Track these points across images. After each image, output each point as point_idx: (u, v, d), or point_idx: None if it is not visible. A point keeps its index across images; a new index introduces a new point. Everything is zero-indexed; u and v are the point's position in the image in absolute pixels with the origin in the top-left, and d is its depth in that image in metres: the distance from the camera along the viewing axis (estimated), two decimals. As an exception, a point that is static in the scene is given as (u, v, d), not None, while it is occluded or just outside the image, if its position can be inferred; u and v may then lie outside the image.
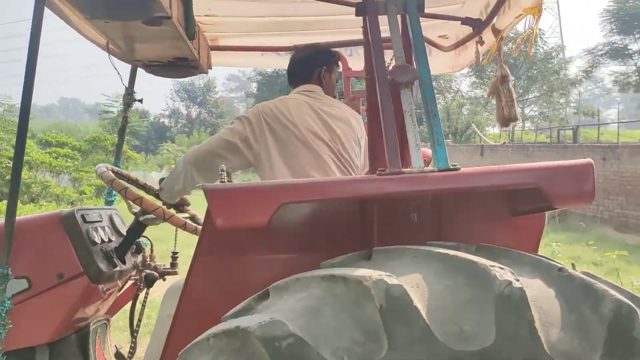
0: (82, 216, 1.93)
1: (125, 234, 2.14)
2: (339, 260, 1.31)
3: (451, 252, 1.19)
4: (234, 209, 1.30)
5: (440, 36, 3.13)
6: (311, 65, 2.39)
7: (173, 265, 2.11)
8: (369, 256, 1.30)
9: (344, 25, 3.04)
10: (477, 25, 2.47)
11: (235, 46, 3.26)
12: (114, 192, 2.57)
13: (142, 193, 2.16)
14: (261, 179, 2.18)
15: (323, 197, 1.38)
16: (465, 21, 2.50)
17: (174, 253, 2.14)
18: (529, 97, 35.38)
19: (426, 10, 2.03)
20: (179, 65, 2.55)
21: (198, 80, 54.48)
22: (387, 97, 1.52)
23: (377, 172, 1.44)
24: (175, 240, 2.24)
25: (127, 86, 2.72)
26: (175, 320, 1.61)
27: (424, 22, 3.04)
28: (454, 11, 2.70)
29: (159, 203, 2.24)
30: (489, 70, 32.45)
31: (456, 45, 2.97)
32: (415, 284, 1.11)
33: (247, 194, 1.34)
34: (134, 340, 2.14)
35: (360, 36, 2.77)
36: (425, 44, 3.16)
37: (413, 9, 1.72)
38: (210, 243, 1.58)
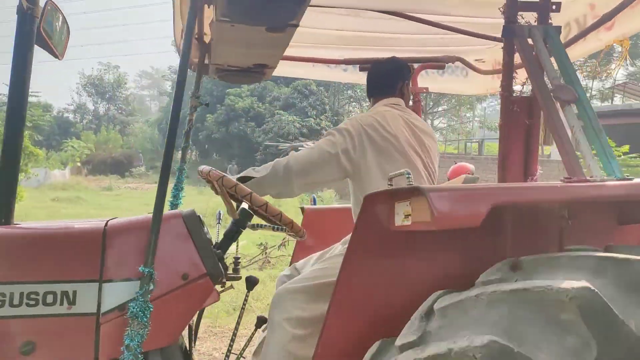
0: (199, 216, 1.89)
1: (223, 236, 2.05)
2: (496, 269, 1.42)
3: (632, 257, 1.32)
4: (452, 210, 1.36)
5: (477, 60, 3.27)
6: (395, 78, 2.45)
7: (236, 270, 2.02)
8: (519, 265, 1.40)
9: (399, 44, 3.13)
10: None
11: (293, 57, 3.22)
12: (180, 195, 2.61)
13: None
14: (356, 190, 2.23)
15: (531, 201, 1.47)
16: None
17: (236, 258, 2.04)
18: (439, 110, 37.11)
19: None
20: (253, 72, 2.54)
21: (107, 74, 52.16)
22: (557, 114, 1.68)
23: (564, 179, 1.59)
24: (237, 246, 2.15)
25: (193, 89, 2.72)
26: (327, 321, 1.66)
27: (463, 46, 3.17)
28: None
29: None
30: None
31: (497, 69, 3.15)
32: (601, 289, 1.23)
33: (464, 196, 1.42)
34: (231, 344, 2.06)
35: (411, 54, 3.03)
36: (463, 65, 3.28)
37: (555, 33, 1.89)
38: (362, 245, 1.64)
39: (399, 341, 1.38)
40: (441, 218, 1.32)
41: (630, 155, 11.18)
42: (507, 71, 2.03)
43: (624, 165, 9.79)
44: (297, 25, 1.82)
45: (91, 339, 1.62)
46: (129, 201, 20.18)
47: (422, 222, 1.38)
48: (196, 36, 2.48)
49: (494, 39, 2.79)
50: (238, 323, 2.17)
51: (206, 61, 2.66)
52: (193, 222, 1.81)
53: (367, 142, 2.17)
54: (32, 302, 1.59)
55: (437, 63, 3.14)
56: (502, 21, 2.33)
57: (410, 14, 2.68)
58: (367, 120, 2.22)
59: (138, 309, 1.56)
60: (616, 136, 20.23)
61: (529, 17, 2.30)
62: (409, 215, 1.46)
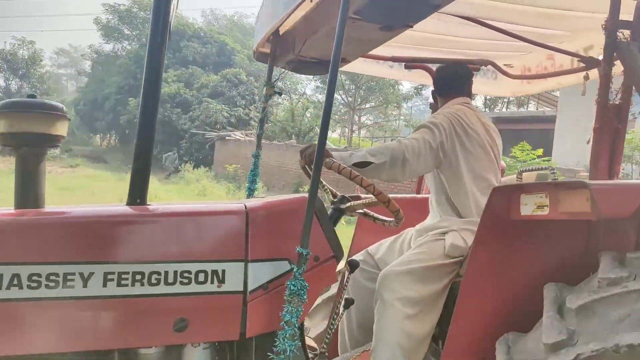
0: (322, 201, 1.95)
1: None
2: (609, 266, 1.55)
3: None
4: (609, 202, 1.51)
5: (505, 64, 3.58)
6: (464, 79, 2.71)
7: None
8: (625, 260, 1.55)
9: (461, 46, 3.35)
10: (590, 63, 2.86)
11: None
12: (257, 181, 2.80)
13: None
14: (442, 181, 2.46)
15: None
16: (584, 60, 2.90)
17: None
18: (366, 106, 37.72)
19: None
20: (323, 63, 2.65)
21: (21, 50, 48.73)
22: None
23: None
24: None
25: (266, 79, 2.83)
26: (456, 311, 1.86)
27: (493, 51, 3.35)
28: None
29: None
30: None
31: (526, 75, 3.55)
32: None
33: (618, 191, 1.62)
34: (331, 329, 2.07)
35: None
36: (493, 69, 3.54)
37: None
38: (488, 235, 1.83)
39: (547, 339, 1.48)
40: (601, 209, 1.47)
41: (543, 158, 11.81)
42: (605, 82, 2.30)
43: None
44: (411, 27, 1.97)
45: (238, 316, 1.69)
46: (41, 185, 18.97)
47: (575, 212, 1.57)
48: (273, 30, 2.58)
49: (589, 59, 3.02)
50: (338, 305, 2.23)
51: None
52: (320, 207, 1.86)
53: (456, 138, 2.41)
54: (186, 281, 1.64)
55: (473, 65, 3.36)
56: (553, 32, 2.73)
57: (479, 19, 2.88)
58: (454, 117, 2.43)
59: (297, 287, 1.63)
60: (530, 140, 21.41)
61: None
62: (545, 206, 1.65)
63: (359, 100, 36.06)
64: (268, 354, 1.64)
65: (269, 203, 1.89)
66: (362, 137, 36.98)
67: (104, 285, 1.57)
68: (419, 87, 33.49)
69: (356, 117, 38.63)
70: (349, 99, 35.57)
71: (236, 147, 25.69)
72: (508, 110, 29.47)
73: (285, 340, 1.60)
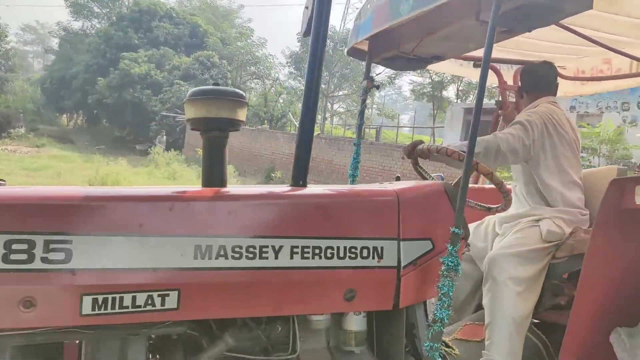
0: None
1: None
2: None
3: None
4: None
5: (559, 66, 3.58)
6: (553, 79, 2.87)
7: None
8: None
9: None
10: None
11: None
12: (358, 167, 3.05)
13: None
14: (532, 174, 2.66)
15: None
16: None
17: None
18: (339, 94, 37.74)
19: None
20: (420, 60, 2.84)
21: (-16, 25, 46.97)
22: None
23: None
24: None
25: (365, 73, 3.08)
26: (578, 296, 2.04)
27: (547, 53, 3.45)
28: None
29: None
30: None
31: (582, 77, 3.68)
32: None
33: None
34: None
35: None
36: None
37: None
38: (607, 224, 1.98)
39: None
40: None
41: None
42: None
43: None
44: (530, 30, 2.16)
45: (393, 289, 1.88)
46: (7, 164, 18.44)
47: None
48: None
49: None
50: None
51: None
52: (451, 191, 2.01)
53: (547, 136, 2.60)
54: (353, 255, 1.82)
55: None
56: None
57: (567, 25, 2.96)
58: (546, 116, 2.62)
59: (454, 264, 1.81)
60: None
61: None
62: None
63: (332, 87, 36.03)
64: (413, 322, 1.97)
65: (412, 188, 2.05)
66: (334, 125, 37.03)
67: (291, 257, 1.74)
68: (392, 75, 33.63)
69: (328, 105, 38.64)
70: (323, 85, 35.50)
71: (208, 131, 25.42)
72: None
73: (442, 310, 1.81)
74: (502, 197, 2.20)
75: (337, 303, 1.82)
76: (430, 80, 31.67)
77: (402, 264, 1.88)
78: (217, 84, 1.96)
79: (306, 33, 2.59)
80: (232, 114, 1.87)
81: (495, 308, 2.43)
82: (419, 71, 32.62)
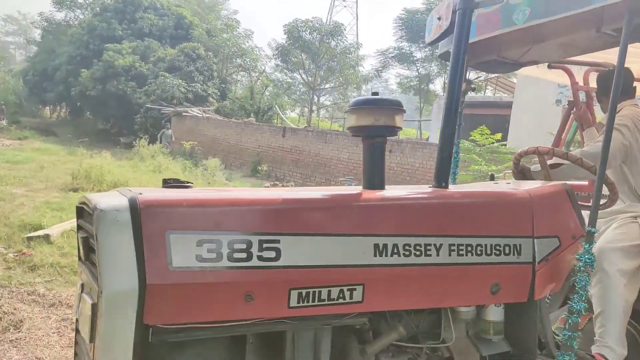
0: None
1: None
2: None
3: None
4: None
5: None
6: (631, 83, 3.06)
7: None
8: None
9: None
10: None
11: None
12: (457, 166, 3.32)
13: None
14: (626, 173, 2.84)
15: None
16: None
17: None
18: (326, 87, 37.62)
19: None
20: (512, 64, 3.07)
21: (-36, 15, 46.07)
22: None
23: None
24: None
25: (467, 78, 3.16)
26: None
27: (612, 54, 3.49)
28: None
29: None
30: (294, 56, 33.65)
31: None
32: None
33: None
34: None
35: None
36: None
37: None
38: None
39: None
40: None
41: (501, 143, 12.07)
42: None
43: (495, 152, 10.52)
44: None
45: (529, 282, 2.06)
46: (-14, 158, 18.10)
47: None
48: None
49: None
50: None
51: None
52: (571, 192, 2.22)
53: (637, 134, 2.79)
54: (497, 252, 2.00)
55: (601, 68, 3.59)
56: None
57: None
58: (636, 119, 2.81)
59: (591, 260, 2.02)
60: (487, 125, 21.74)
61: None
62: None
63: (319, 80, 35.90)
64: (540, 314, 2.16)
65: (540, 189, 2.24)
66: (321, 118, 36.96)
67: (449, 254, 1.92)
68: (379, 69, 33.59)
69: (315, 98, 38.49)
70: (309, 78, 35.37)
71: (193, 123, 25.17)
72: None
73: (579, 303, 2.02)
74: (610, 194, 2.40)
75: (484, 296, 2.03)
76: (417, 74, 31.74)
77: (537, 260, 2.07)
78: (377, 93, 2.16)
79: (434, 42, 2.77)
80: (392, 121, 2.02)
81: (607, 299, 2.61)
82: (405, 64, 32.72)
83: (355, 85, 36.93)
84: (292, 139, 18.51)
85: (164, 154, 21.95)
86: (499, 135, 9.77)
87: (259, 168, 18.70)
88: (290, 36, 32.94)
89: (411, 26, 29.55)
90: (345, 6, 65.17)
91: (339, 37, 32.94)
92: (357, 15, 63.13)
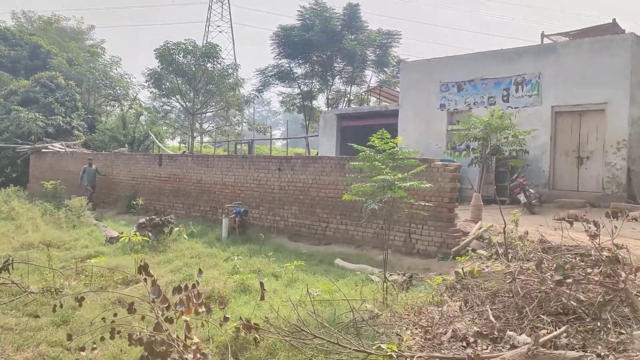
0: None
1: None
2: None
3: None
4: None
5: None
6: None
7: None
8: None
9: None
10: None
11: None
12: None
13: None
14: None
15: None
16: None
17: None
18: (207, 112, 35.78)
19: None
20: None
21: None
22: None
23: None
24: None
25: None
26: None
27: None
28: None
29: None
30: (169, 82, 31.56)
31: None
32: None
33: None
34: None
35: None
36: None
37: None
38: None
39: None
40: None
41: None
42: None
43: (398, 159, 9.56)
44: None
45: None
46: None
47: None
48: None
49: None
50: None
51: None
52: None
53: None
54: None
55: None
56: None
57: None
58: None
59: None
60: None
61: None
62: None
63: (198, 105, 34.01)
64: None
65: None
66: (204, 144, 34.97)
67: None
68: (260, 88, 32.46)
69: (197, 124, 36.47)
70: (188, 104, 33.36)
71: (56, 160, 22.24)
72: (351, 107, 29.60)
73: None
74: None
75: None
76: (299, 91, 31.03)
77: None
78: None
79: None
80: None
81: None
82: (287, 82, 31.96)
83: (237, 108, 35.51)
84: (170, 166, 16.60)
85: (19, 198, 18.96)
86: (400, 139, 8.91)
87: (134, 202, 16.51)
88: (162, 60, 30.82)
89: (288, 43, 28.78)
90: (220, 31, 63.99)
91: (215, 59, 31.38)
92: (232, 38, 62.17)
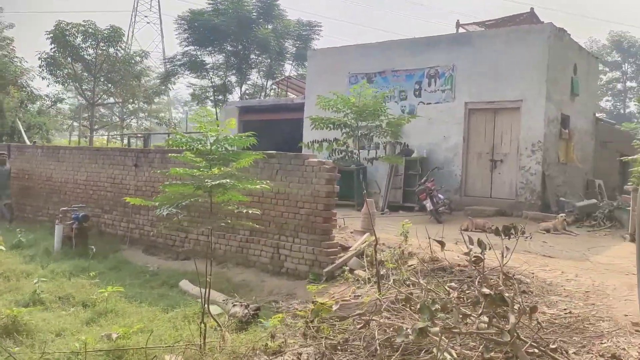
0: None
1: None
2: None
3: None
4: None
5: None
6: None
7: None
8: None
9: None
10: None
11: None
12: None
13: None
14: None
15: None
16: None
17: None
18: (107, 102, 32.47)
19: None
20: None
21: None
22: None
23: None
24: None
25: None
26: None
27: None
28: None
29: None
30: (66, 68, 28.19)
31: None
32: None
33: None
34: None
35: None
36: None
37: None
38: None
39: None
40: None
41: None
42: None
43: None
44: None
45: None
46: None
47: None
48: None
49: None
50: None
51: None
52: None
53: None
54: None
55: None
56: None
57: None
58: None
59: None
60: (283, 130, 18.86)
61: None
62: None
63: (101, 94, 30.73)
64: None
65: None
66: (100, 135, 31.70)
67: None
68: (165, 77, 29.61)
69: (98, 115, 33.09)
70: (88, 93, 30.03)
71: None
72: (254, 99, 27.30)
73: None
74: None
75: None
76: (211, 83, 28.40)
77: None
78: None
79: None
80: None
81: None
82: (198, 73, 29.27)
83: (144, 100, 32.39)
84: (19, 160, 13.73)
85: None
86: (233, 123, 6.86)
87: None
88: (57, 43, 27.40)
89: (196, 28, 26.12)
90: (148, 22, 60.13)
91: (117, 44, 28.26)
92: (161, 29, 58.60)
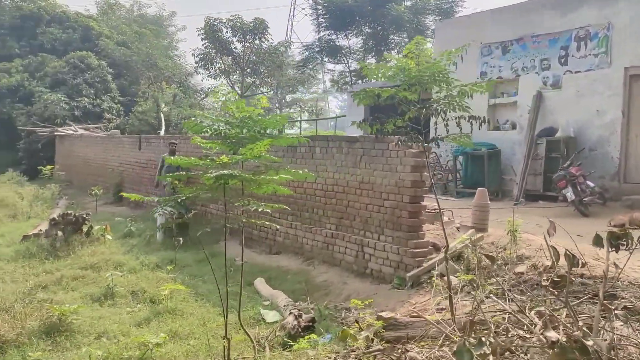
0: None
1: None
2: None
3: None
4: None
5: None
6: None
7: None
8: None
9: None
10: None
11: None
12: None
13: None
14: None
15: None
16: None
17: None
18: (258, 93, 33.62)
19: None
20: None
21: None
22: None
23: None
24: None
25: None
26: None
27: None
28: None
29: None
30: None
31: None
32: None
33: None
34: None
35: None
36: None
37: None
38: None
39: None
40: None
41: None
42: None
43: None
44: None
45: None
46: None
47: None
48: None
49: None
50: None
51: None
52: None
53: None
54: None
55: None
56: None
57: None
58: None
59: None
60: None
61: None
62: None
63: (247, 87, 31.89)
64: None
65: None
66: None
67: None
68: (300, 65, 29.58)
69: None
70: (236, 86, 31.35)
71: (69, 144, 21.03)
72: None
73: None
74: None
75: None
76: (348, 68, 27.76)
77: None
78: None
79: None
80: None
81: None
82: (336, 58, 28.84)
83: (290, 89, 32.94)
84: (148, 150, 14.36)
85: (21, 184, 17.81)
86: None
87: (122, 190, 14.49)
88: (208, 39, 28.94)
89: (333, 11, 25.58)
90: (305, 15, 61.70)
91: (262, 36, 28.94)
92: (318, 22, 59.74)
